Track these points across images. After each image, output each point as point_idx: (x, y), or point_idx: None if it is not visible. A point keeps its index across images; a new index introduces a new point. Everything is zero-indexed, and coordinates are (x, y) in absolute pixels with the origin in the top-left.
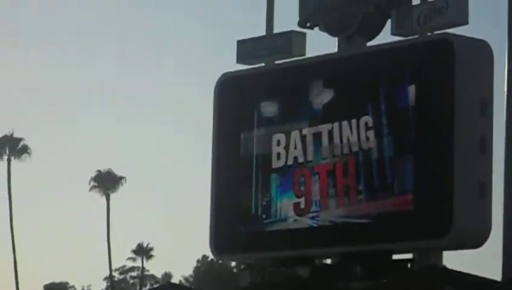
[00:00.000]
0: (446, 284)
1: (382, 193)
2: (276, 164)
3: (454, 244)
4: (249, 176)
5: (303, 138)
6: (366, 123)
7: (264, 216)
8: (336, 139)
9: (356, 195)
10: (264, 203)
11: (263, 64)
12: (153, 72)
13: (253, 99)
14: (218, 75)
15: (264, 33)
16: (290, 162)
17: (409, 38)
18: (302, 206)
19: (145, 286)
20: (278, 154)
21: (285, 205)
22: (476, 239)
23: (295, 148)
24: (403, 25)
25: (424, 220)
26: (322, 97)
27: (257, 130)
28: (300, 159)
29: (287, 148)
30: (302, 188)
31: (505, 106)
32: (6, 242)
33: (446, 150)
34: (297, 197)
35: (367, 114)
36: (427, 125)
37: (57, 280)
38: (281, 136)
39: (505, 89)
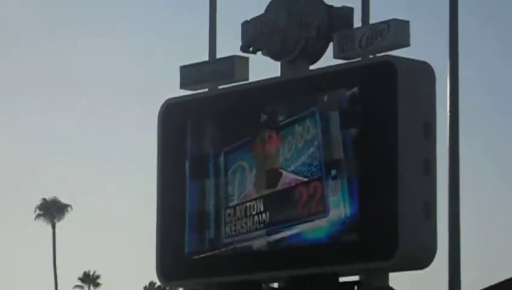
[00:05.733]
0: None
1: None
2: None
3: (401, 265)
4: None
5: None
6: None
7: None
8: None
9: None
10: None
11: (206, 89)
12: (96, 99)
13: (199, 125)
14: (162, 101)
15: (207, 58)
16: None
17: (351, 61)
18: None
19: None
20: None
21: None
22: (422, 260)
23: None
24: (344, 48)
25: (370, 242)
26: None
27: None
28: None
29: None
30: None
31: (447, 128)
32: None
33: (390, 172)
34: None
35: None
36: (371, 148)
37: None
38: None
39: (448, 110)
